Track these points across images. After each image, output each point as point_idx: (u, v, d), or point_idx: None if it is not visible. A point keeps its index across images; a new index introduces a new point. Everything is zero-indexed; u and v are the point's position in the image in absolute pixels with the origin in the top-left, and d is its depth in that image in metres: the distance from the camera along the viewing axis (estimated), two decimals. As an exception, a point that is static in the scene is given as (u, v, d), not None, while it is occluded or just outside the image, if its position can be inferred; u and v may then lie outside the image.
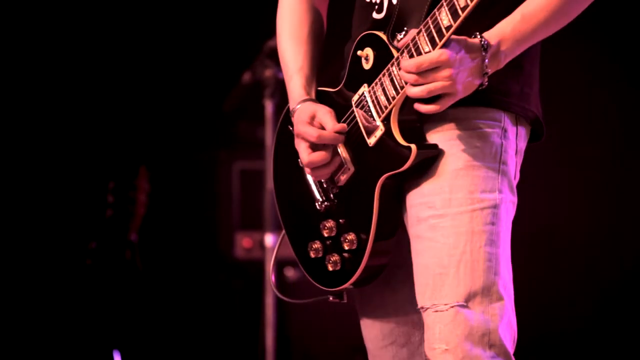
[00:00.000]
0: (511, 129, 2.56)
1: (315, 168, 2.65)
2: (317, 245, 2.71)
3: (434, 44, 2.40)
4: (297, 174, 2.76)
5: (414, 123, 2.54)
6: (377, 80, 2.55)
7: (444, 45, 2.39)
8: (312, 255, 2.72)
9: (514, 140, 2.57)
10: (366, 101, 2.59)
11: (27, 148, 6.08)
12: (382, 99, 2.54)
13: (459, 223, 2.46)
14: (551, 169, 5.73)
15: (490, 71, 2.43)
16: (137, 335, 5.35)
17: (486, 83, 2.44)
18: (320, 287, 2.73)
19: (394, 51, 2.52)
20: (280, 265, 5.88)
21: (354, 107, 2.62)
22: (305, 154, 2.63)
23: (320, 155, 2.63)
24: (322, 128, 2.62)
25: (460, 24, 2.35)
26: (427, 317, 2.48)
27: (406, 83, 2.45)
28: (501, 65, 2.46)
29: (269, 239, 5.21)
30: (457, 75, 2.39)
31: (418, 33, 2.43)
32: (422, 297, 2.49)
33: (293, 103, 2.71)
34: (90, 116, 6.18)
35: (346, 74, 2.67)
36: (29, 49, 6.07)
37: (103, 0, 6.21)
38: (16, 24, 6.05)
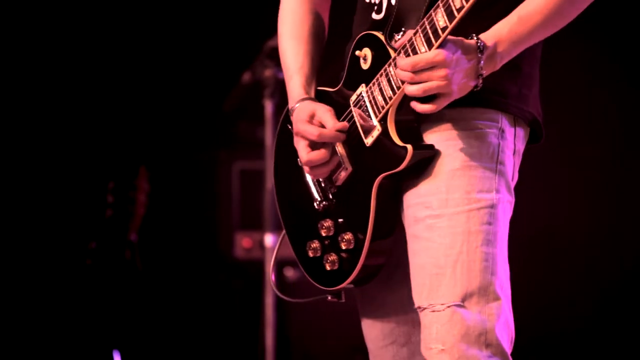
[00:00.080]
0: (509, 130, 2.56)
1: (314, 167, 2.65)
2: (315, 244, 2.72)
3: (430, 45, 2.40)
4: (297, 174, 2.77)
5: (411, 123, 2.54)
6: (374, 80, 2.56)
7: (441, 46, 2.39)
8: (311, 254, 2.73)
9: (511, 141, 2.57)
10: (364, 101, 2.59)
11: (27, 148, 6.09)
12: (379, 99, 2.54)
13: (456, 223, 2.46)
14: (551, 169, 5.73)
15: (485, 73, 2.43)
16: (137, 335, 5.35)
17: (481, 84, 2.44)
18: (319, 286, 2.74)
19: (391, 51, 2.53)
20: (280, 265, 5.88)
21: (352, 107, 2.62)
22: (304, 153, 2.64)
23: (319, 154, 2.63)
24: (322, 126, 2.62)
25: (457, 24, 2.35)
26: (424, 317, 2.48)
27: (403, 82, 2.46)
28: (497, 67, 2.46)
29: (269, 239, 5.21)
30: (453, 75, 2.40)
31: (415, 33, 2.44)
32: (419, 297, 2.50)
33: (292, 102, 2.72)
34: (90, 116, 6.18)
35: (345, 74, 2.67)
36: (29, 49, 6.08)
37: (103, 0, 6.21)
38: (16, 24, 6.05)
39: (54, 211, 6.07)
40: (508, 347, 2.48)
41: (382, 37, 2.56)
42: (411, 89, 2.43)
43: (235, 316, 6.26)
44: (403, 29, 2.51)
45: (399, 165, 2.50)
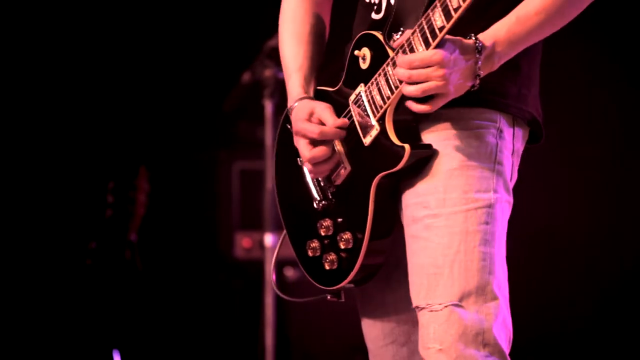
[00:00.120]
0: (507, 130, 2.56)
1: (316, 164, 2.65)
2: (315, 244, 2.72)
3: (427, 44, 2.40)
4: (297, 173, 2.77)
5: (410, 123, 2.54)
6: (373, 80, 2.56)
7: (439, 46, 2.39)
8: (310, 254, 2.74)
9: (510, 141, 2.57)
10: (362, 101, 2.59)
11: (27, 148, 6.09)
12: (378, 98, 2.55)
13: (453, 223, 2.47)
14: (551, 169, 5.73)
15: (482, 73, 2.43)
16: (137, 335, 5.35)
17: (478, 85, 2.44)
18: (319, 286, 2.74)
19: (389, 51, 2.53)
20: (279, 265, 5.88)
21: (351, 107, 2.63)
22: (306, 150, 2.64)
23: (321, 150, 2.63)
24: (322, 124, 2.62)
25: (454, 24, 2.35)
26: (422, 317, 2.48)
27: (401, 82, 2.46)
28: (495, 67, 2.46)
29: (269, 239, 5.21)
30: (451, 75, 2.39)
31: (413, 33, 2.44)
32: (417, 296, 2.50)
33: (291, 101, 2.73)
34: (90, 116, 6.18)
35: (344, 73, 2.68)
36: (29, 49, 6.08)
37: (103, 0, 6.21)
38: (16, 24, 6.05)
39: (54, 211, 6.07)
40: (506, 347, 2.48)
41: (380, 37, 2.56)
42: (410, 89, 2.43)
43: (235, 316, 6.26)
44: (402, 28, 2.52)
45: (396, 165, 2.50)
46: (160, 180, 5.66)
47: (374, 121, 2.56)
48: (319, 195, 2.72)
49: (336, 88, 2.70)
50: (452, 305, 2.44)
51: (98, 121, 6.19)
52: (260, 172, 5.41)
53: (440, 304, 2.45)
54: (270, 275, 5.09)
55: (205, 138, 6.42)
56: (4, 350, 5.87)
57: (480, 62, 2.42)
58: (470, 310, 2.44)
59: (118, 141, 6.18)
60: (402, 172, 2.52)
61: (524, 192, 2.86)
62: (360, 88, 2.60)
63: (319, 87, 2.76)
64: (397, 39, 2.50)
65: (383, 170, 2.53)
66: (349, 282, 2.66)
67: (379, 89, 2.54)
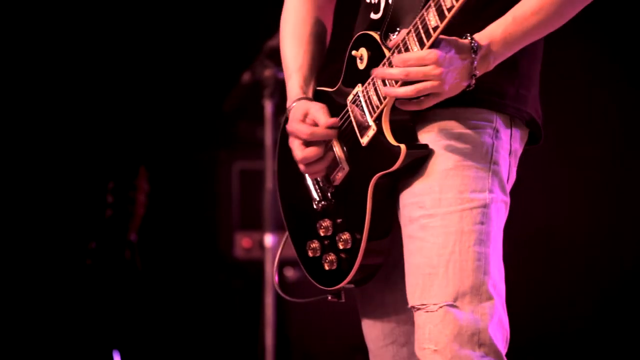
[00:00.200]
0: (504, 130, 2.56)
1: (309, 164, 2.66)
2: (314, 244, 2.73)
3: (422, 44, 2.40)
4: (297, 174, 2.77)
5: (406, 123, 2.54)
6: (370, 80, 2.56)
7: (434, 45, 2.39)
8: (310, 254, 2.74)
9: (507, 141, 2.56)
10: (360, 101, 2.60)
11: (27, 148, 6.09)
12: (374, 98, 2.55)
13: (449, 223, 2.46)
14: (551, 169, 5.73)
15: (478, 73, 2.43)
16: (136, 335, 5.35)
17: (473, 85, 2.44)
18: (319, 286, 2.75)
19: (385, 51, 2.53)
20: (280, 265, 5.88)
21: (348, 107, 2.63)
22: (298, 151, 2.65)
23: (313, 151, 2.64)
24: (316, 125, 2.63)
25: (448, 24, 2.35)
26: (418, 317, 2.48)
27: (397, 82, 2.46)
28: (490, 67, 2.46)
29: (269, 239, 5.20)
30: (447, 75, 2.39)
31: (408, 33, 2.44)
32: (413, 297, 2.50)
33: (289, 102, 2.74)
34: (90, 116, 6.18)
35: (343, 73, 2.68)
36: (29, 49, 6.08)
37: (103, 0, 6.21)
38: (16, 24, 6.05)
39: (54, 211, 6.07)
40: (502, 347, 2.48)
41: (377, 37, 2.56)
42: (404, 90, 2.42)
43: (235, 316, 6.27)
44: (398, 28, 2.52)
45: (393, 165, 2.50)
46: (160, 180, 5.67)
47: (371, 121, 2.56)
48: (318, 196, 2.73)
49: (335, 88, 2.71)
50: (447, 305, 2.44)
51: (98, 121, 6.19)
52: (260, 172, 5.40)
53: (435, 304, 2.45)
54: (271, 275, 5.09)
55: (205, 138, 6.42)
56: (4, 350, 5.87)
57: (476, 62, 2.41)
58: (465, 310, 2.43)
59: (118, 141, 6.18)
60: (399, 172, 2.52)
61: (523, 193, 2.86)
62: (358, 88, 2.61)
63: (318, 88, 2.76)
64: (393, 38, 2.50)
65: (380, 170, 2.53)
66: (349, 283, 2.66)
67: (375, 89, 2.54)
